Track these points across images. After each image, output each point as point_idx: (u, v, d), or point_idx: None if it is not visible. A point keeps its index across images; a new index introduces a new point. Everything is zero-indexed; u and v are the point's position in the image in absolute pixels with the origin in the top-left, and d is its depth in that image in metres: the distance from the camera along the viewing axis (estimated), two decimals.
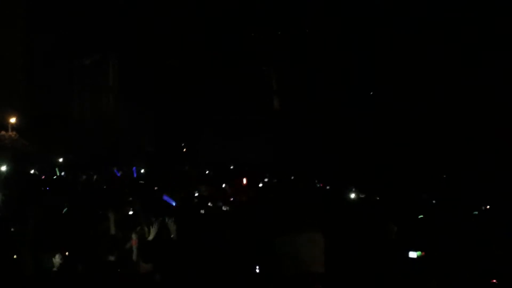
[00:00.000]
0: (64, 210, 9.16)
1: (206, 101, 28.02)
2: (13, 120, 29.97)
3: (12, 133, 29.76)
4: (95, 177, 14.09)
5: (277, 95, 29.26)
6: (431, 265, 6.33)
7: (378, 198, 11.66)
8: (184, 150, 29.25)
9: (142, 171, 16.64)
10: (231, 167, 20.38)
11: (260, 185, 14.36)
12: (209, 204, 10.14)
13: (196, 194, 11.56)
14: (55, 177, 15.79)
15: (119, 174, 15.55)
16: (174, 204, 9.37)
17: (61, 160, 21.41)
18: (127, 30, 29.30)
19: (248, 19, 27.43)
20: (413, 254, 6.56)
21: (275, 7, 26.54)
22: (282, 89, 29.06)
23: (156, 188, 12.42)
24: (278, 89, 29.37)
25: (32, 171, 17.39)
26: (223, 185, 13.11)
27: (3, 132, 29.55)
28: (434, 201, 11.25)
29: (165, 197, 9.47)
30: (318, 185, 14.69)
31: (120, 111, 30.89)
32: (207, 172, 18.49)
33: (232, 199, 11.23)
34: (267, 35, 27.89)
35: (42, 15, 29.54)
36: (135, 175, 15.61)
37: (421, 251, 6.58)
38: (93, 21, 29.29)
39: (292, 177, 16.49)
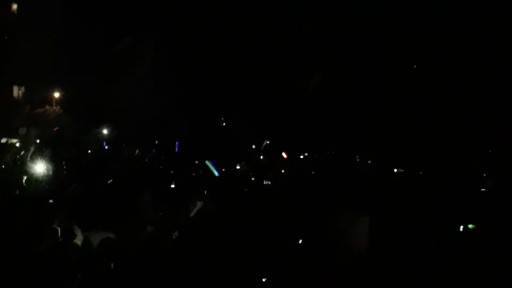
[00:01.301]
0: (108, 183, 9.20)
1: (243, 80, 28.00)
2: (57, 95, 30.47)
3: (56, 108, 30.22)
4: (137, 151, 14.18)
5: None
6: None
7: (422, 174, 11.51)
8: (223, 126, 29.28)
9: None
10: (269, 143, 20.29)
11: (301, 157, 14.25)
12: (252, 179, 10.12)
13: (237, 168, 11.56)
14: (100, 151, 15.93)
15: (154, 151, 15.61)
16: (217, 174, 9.35)
17: (105, 133, 21.63)
18: (164, 14, 29.45)
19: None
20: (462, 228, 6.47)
21: None
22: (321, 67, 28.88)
23: (196, 162, 12.44)
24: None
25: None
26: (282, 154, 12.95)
27: (47, 107, 30.04)
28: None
29: (210, 163, 9.43)
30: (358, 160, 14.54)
31: (157, 91, 31.08)
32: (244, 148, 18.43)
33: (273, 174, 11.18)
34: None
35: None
36: (176, 150, 15.69)
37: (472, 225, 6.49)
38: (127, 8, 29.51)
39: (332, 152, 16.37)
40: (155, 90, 31.42)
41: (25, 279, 5.44)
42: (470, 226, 6.60)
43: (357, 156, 15.28)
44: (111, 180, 9.26)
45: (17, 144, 16.94)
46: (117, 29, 30.87)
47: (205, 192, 7.06)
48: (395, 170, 11.87)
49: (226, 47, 28.83)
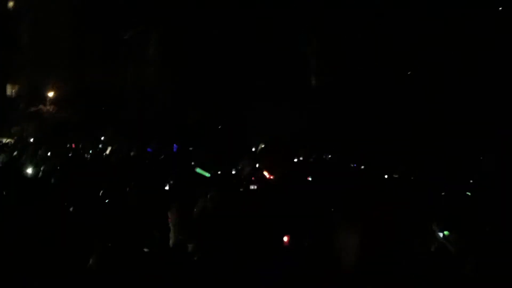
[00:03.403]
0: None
1: (246, 77, 27.94)
2: (51, 94, 30.27)
3: (50, 107, 30.11)
4: (131, 153, 14.07)
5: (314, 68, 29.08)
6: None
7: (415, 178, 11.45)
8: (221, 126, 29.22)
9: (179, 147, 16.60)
10: (264, 145, 20.17)
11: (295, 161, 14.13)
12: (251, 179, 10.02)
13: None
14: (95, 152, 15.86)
15: (150, 150, 15.48)
16: (208, 175, 9.29)
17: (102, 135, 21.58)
18: (170, 4, 29.31)
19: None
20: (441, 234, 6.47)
21: None
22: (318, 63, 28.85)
23: (193, 163, 12.33)
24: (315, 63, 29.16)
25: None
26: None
27: (41, 106, 29.91)
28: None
29: (198, 170, 9.39)
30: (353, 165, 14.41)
31: (162, 85, 30.95)
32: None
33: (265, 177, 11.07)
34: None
35: None
36: (175, 150, 15.59)
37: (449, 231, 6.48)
38: None
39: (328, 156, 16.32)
40: (154, 87, 31.38)
41: None
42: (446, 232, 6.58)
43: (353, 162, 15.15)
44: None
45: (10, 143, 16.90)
46: (114, 26, 30.76)
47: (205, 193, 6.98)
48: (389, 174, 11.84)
49: (225, 47, 28.80)
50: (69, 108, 29.40)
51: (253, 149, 17.88)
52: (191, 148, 17.45)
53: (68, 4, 30.21)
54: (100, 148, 16.99)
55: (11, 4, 31.26)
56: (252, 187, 9.49)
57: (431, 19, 22.47)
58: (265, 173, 9.46)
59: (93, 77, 29.45)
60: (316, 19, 27.57)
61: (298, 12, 27.46)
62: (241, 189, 9.03)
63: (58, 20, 30.26)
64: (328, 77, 27.66)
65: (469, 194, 9.16)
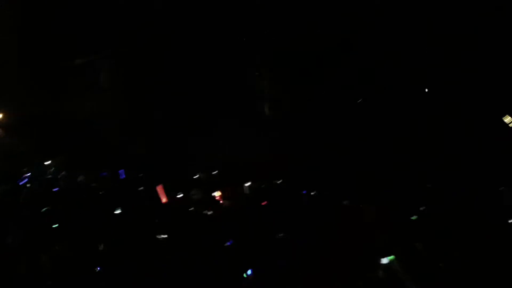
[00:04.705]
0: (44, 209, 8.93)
1: (200, 103, 27.79)
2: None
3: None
4: (80, 178, 13.83)
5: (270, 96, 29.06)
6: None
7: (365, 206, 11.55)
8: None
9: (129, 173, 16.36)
10: (219, 171, 20.11)
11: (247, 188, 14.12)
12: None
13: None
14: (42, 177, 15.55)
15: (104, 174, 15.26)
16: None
17: (49, 161, 21.12)
18: (123, 30, 29.09)
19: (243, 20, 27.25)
20: (385, 260, 6.54)
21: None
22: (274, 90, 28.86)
23: (141, 188, 12.19)
24: (271, 90, 29.15)
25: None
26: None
27: None
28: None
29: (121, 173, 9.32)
30: (304, 192, 14.43)
31: (112, 112, 30.61)
32: (197, 175, 18.26)
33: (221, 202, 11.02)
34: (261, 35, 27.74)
35: (35, 13, 29.28)
36: (123, 177, 15.36)
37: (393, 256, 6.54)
38: (88, 20, 29.08)
39: (279, 181, 16.29)
40: (108, 112, 30.94)
41: None
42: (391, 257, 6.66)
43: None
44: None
45: None
46: (65, 52, 30.37)
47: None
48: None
49: (177, 74, 28.69)
50: (17, 135, 28.82)
51: (199, 175, 17.86)
52: (139, 175, 17.28)
53: (13, 29, 29.76)
54: (48, 174, 16.67)
55: None
56: (205, 212, 9.45)
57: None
58: (219, 197, 9.43)
59: (42, 104, 28.92)
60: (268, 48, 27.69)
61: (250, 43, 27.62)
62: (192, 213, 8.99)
63: (4, 44, 29.76)
64: (280, 103, 27.71)
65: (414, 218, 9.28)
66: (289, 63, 26.89)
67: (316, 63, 25.37)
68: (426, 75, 21.85)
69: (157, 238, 6.74)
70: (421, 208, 11.37)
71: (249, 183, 14.63)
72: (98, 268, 6.14)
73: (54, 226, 7.94)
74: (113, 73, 31.78)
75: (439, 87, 21.99)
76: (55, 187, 13.48)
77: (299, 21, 26.34)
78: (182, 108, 28.25)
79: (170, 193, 11.39)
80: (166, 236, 6.72)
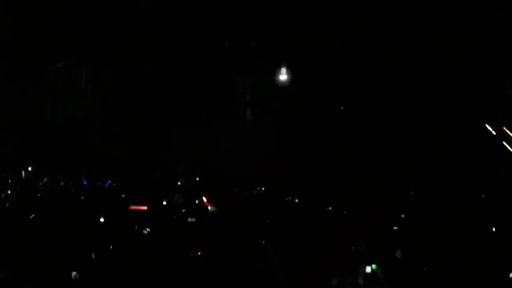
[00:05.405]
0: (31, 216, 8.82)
1: (183, 108, 27.64)
2: None
3: None
4: (61, 183, 13.69)
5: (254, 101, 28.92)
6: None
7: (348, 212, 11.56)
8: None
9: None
10: (203, 178, 20.03)
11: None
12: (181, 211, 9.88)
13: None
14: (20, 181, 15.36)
15: (86, 183, 15.12)
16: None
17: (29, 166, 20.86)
18: (103, 34, 28.88)
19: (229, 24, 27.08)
20: (369, 268, 6.55)
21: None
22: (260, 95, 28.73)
23: (123, 196, 12.09)
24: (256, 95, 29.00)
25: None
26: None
27: None
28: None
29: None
30: (287, 199, 14.40)
31: (92, 117, 30.37)
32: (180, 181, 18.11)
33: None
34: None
35: (15, 16, 28.98)
36: (106, 185, 15.23)
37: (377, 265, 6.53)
38: (68, 23, 28.81)
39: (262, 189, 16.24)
40: (88, 117, 30.70)
41: None
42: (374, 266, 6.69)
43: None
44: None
45: None
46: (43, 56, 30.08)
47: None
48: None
49: (158, 80, 28.52)
50: None
51: (181, 181, 17.77)
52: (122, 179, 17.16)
53: None
54: (28, 179, 16.47)
55: None
56: (190, 219, 9.36)
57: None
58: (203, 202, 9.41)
59: (20, 108, 28.61)
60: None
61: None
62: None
63: None
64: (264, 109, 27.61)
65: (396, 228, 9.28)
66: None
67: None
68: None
69: (141, 242, 6.68)
70: (403, 216, 11.40)
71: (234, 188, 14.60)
72: (79, 275, 6.04)
73: (35, 230, 7.83)
74: (95, 77, 31.62)
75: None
76: (35, 192, 13.31)
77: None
78: (165, 113, 28.13)
79: (152, 199, 11.30)
80: (149, 240, 6.67)
